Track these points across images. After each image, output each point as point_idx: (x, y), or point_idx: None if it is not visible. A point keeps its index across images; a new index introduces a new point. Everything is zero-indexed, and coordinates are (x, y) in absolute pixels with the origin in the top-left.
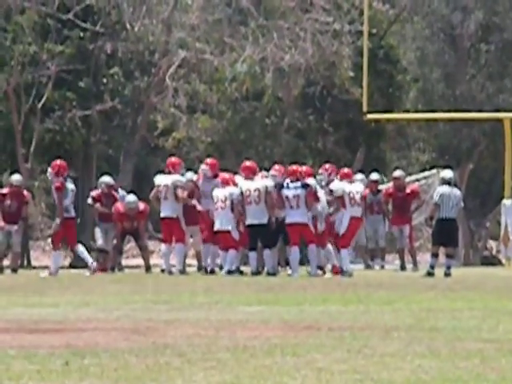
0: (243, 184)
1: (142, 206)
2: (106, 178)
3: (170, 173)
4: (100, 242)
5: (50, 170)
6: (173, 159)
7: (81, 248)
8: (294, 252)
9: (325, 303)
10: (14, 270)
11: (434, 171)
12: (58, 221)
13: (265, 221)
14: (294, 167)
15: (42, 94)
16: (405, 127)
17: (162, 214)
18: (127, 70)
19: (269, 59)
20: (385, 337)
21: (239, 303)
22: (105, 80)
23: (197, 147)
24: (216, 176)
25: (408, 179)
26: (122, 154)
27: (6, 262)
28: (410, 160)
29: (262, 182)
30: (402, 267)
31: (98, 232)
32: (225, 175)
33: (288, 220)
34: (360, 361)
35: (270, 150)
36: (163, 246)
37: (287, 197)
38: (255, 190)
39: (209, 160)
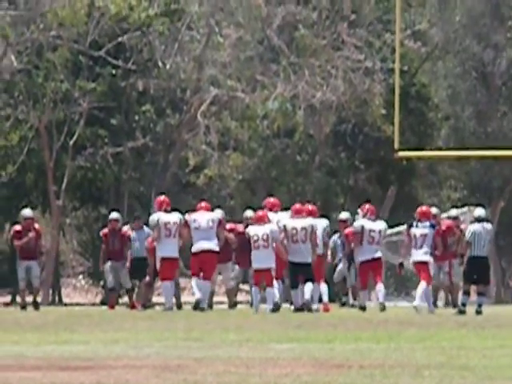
0: (288, 222)
1: None
2: (114, 214)
3: (166, 211)
4: (110, 279)
5: None
6: (162, 198)
7: None
8: (421, 286)
9: (356, 341)
10: (36, 307)
11: (465, 209)
12: None
13: (309, 260)
14: (424, 208)
15: (74, 131)
16: (436, 165)
17: (169, 254)
18: (159, 107)
19: (300, 96)
20: (416, 375)
21: (270, 340)
22: (136, 117)
23: (228, 184)
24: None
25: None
26: (154, 190)
27: (29, 298)
28: (441, 198)
29: (310, 221)
30: (434, 304)
31: (106, 270)
32: (259, 213)
33: (413, 259)
34: None
35: (302, 187)
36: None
37: (415, 235)
38: (302, 229)
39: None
